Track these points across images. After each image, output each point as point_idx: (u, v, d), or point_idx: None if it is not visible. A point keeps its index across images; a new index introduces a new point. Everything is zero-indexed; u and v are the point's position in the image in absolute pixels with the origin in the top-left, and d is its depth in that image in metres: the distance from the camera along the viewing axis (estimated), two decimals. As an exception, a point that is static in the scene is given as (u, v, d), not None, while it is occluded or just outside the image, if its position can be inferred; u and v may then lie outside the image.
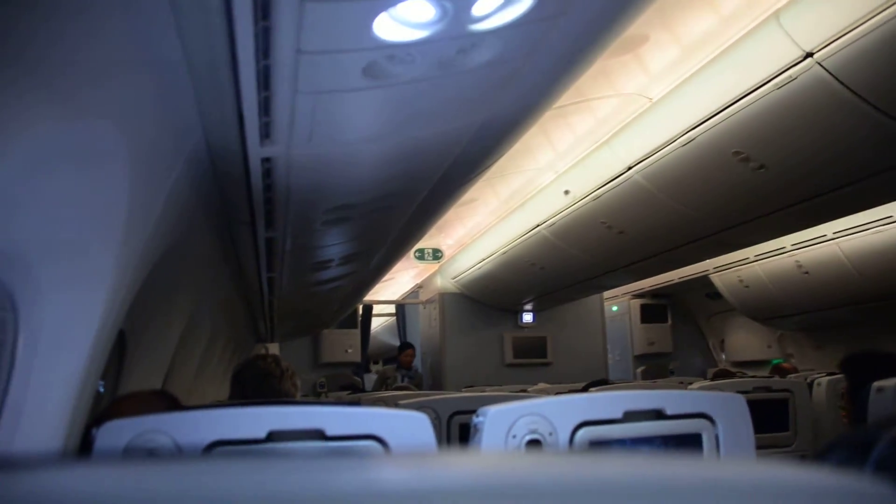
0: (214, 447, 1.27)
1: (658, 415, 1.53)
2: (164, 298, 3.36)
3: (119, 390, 3.24)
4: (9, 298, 1.76)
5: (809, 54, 3.10)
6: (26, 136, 1.50)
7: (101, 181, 1.90)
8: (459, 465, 0.41)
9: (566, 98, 3.37)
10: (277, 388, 2.61)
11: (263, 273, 4.49)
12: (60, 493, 0.32)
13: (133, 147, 1.91)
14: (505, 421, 1.42)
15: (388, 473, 0.38)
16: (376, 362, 14.70)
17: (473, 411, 1.50)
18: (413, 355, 9.18)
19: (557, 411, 1.46)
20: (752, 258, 7.65)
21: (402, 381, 8.49)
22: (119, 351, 3.21)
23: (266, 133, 2.14)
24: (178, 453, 1.24)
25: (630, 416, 1.51)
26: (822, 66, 3.09)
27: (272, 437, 1.29)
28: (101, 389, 3.01)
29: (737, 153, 3.89)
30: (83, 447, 2.03)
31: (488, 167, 3.40)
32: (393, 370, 9.16)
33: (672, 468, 0.42)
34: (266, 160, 2.39)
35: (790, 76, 3.23)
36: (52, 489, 0.33)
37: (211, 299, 4.76)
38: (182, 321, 3.93)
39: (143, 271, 2.47)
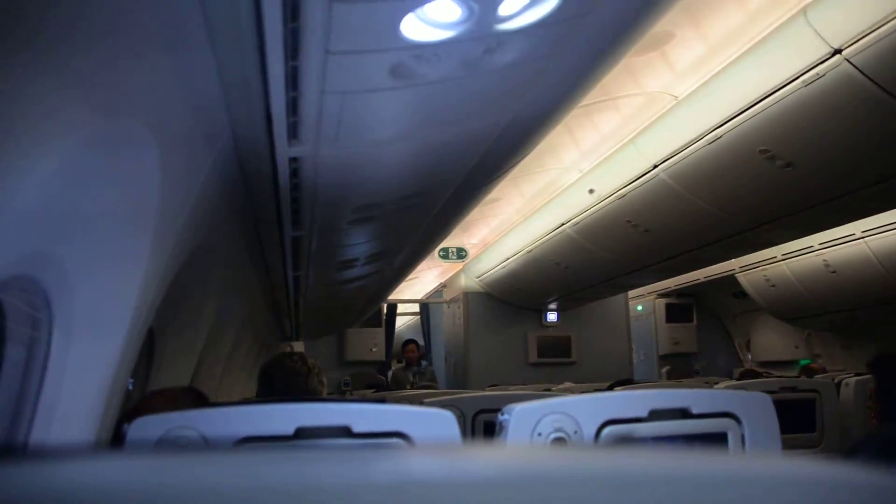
0: (243, 443, 1.29)
1: (684, 414, 1.53)
2: (192, 297, 3.40)
3: (148, 387, 3.28)
4: (44, 298, 1.80)
5: (838, 51, 3.07)
6: (60, 140, 1.53)
7: (132, 182, 1.93)
8: (484, 457, 0.42)
9: (591, 96, 3.37)
10: (304, 385, 2.63)
11: (290, 272, 4.52)
12: (99, 483, 0.33)
13: (163, 148, 1.93)
14: (530, 419, 1.42)
15: (415, 464, 0.39)
16: (400, 361, 14.73)
17: (498, 409, 1.50)
18: (416, 350, 9.14)
19: (583, 410, 1.46)
20: (779, 257, 7.58)
21: (414, 378, 8.45)
22: (148, 348, 3.26)
23: (294, 133, 2.16)
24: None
25: (656, 415, 1.51)
26: (850, 62, 3.06)
27: (300, 433, 1.30)
28: (131, 387, 3.05)
29: (763, 151, 3.86)
30: (114, 442, 2.06)
31: (513, 166, 3.40)
32: (402, 370, 9.11)
33: (697, 462, 0.42)
34: (293, 160, 2.41)
35: (818, 73, 3.21)
36: (91, 478, 0.34)
37: (238, 298, 4.80)
38: (209, 319, 3.97)
39: (172, 271, 2.50)
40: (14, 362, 1.86)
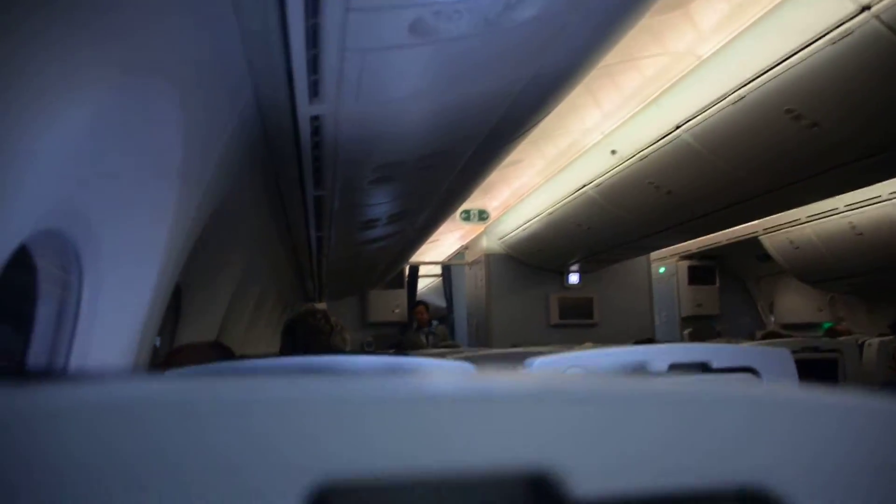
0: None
1: (704, 368, 1.54)
2: (217, 255, 3.44)
3: (175, 342, 3.34)
4: (74, 253, 1.83)
5: (866, 7, 3.01)
6: (86, 98, 1.55)
7: (157, 139, 1.95)
8: (501, 376, 0.43)
9: (613, 57, 3.33)
10: (326, 342, 2.67)
11: (312, 232, 4.56)
12: (144, 397, 0.34)
13: (187, 107, 1.95)
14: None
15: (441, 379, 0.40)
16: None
17: (520, 366, 1.52)
18: (424, 311, 9.14)
19: (603, 363, 1.48)
20: (804, 219, 7.50)
21: (427, 339, 8.46)
22: (175, 305, 3.31)
23: (315, 91, 2.17)
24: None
25: (675, 369, 1.52)
26: (880, 19, 3.00)
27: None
28: (158, 343, 3.11)
29: (789, 111, 3.82)
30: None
31: (534, 126, 3.39)
32: (413, 332, 9.12)
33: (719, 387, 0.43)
34: (315, 118, 2.42)
35: (846, 31, 3.15)
36: (136, 392, 0.35)
37: (262, 257, 4.85)
38: (234, 278, 4.02)
39: (198, 228, 2.53)
40: (45, 318, 1.90)
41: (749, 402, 0.41)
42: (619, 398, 0.39)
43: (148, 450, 0.33)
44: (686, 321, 10.17)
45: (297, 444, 0.34)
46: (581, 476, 0.36)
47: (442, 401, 0.36)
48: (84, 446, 0.32)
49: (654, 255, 9.59)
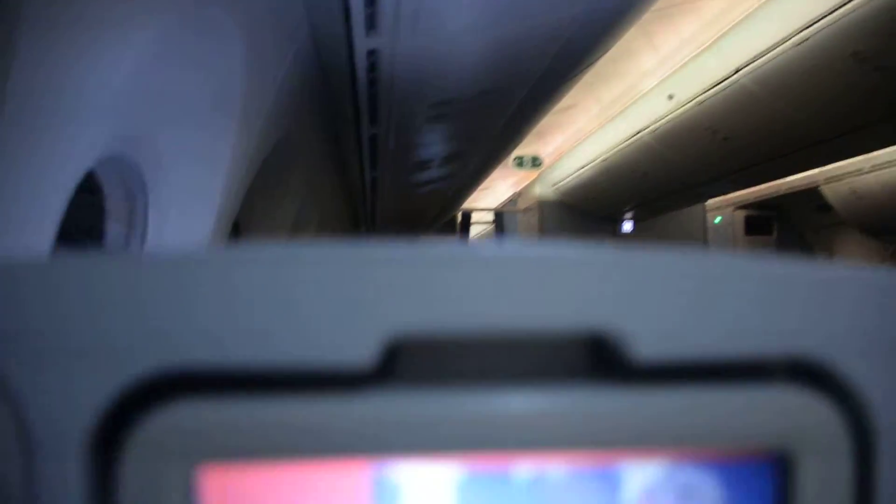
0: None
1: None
2: (274, 194, 3.50)
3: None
4: (139, 180, 1.90)
5: (940, -58, 2.91)
6: (149, 27, 1.59)
7: (220, 72, 1.99)
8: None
9: (672, -3, 3.27)
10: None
11: (367, 172, 4.60)
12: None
13: (247, 40, 1.98)
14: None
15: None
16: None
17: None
18: None
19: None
20: (868, 169, 7.28)
21: None
22: (234, 241, 3.39)
23: (371, 24, 2.19)
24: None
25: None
26: (953, -45, 2.90)
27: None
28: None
29: (855, 54, 3.71)
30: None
31: (589, 66, 3.36)
32: None
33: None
34: (371, 53, 2.44)
35: (917, -32, 3.05)
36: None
37: (317, 196, 4.91)
38: (291, 216, 4.09)
39: (257, 162, 2.59)
40: (113, 242, 1.98)
41: (806, 277, 0.42)
42: (680, 268, 0.40)
43: (237, 306, 0.36)
44: (741, 272, 10.01)
45: (374, 300, 0.37)
46: (640, 338, 0.38)
47: (509, 262, 0.39)
48: (173, 302, 0.36)
49: (709, 204, 9.45)
